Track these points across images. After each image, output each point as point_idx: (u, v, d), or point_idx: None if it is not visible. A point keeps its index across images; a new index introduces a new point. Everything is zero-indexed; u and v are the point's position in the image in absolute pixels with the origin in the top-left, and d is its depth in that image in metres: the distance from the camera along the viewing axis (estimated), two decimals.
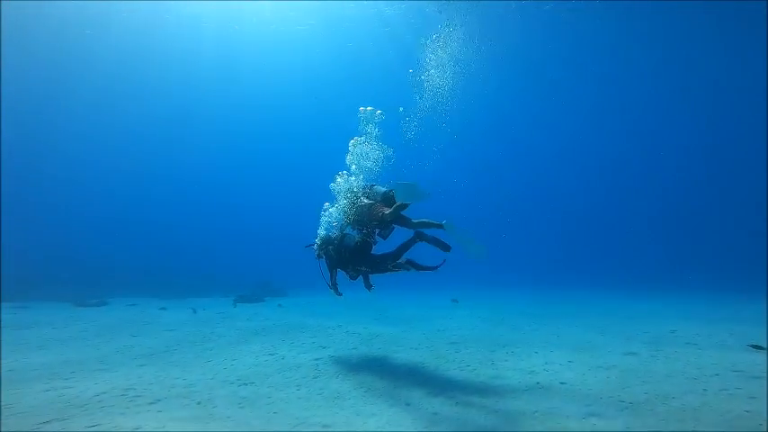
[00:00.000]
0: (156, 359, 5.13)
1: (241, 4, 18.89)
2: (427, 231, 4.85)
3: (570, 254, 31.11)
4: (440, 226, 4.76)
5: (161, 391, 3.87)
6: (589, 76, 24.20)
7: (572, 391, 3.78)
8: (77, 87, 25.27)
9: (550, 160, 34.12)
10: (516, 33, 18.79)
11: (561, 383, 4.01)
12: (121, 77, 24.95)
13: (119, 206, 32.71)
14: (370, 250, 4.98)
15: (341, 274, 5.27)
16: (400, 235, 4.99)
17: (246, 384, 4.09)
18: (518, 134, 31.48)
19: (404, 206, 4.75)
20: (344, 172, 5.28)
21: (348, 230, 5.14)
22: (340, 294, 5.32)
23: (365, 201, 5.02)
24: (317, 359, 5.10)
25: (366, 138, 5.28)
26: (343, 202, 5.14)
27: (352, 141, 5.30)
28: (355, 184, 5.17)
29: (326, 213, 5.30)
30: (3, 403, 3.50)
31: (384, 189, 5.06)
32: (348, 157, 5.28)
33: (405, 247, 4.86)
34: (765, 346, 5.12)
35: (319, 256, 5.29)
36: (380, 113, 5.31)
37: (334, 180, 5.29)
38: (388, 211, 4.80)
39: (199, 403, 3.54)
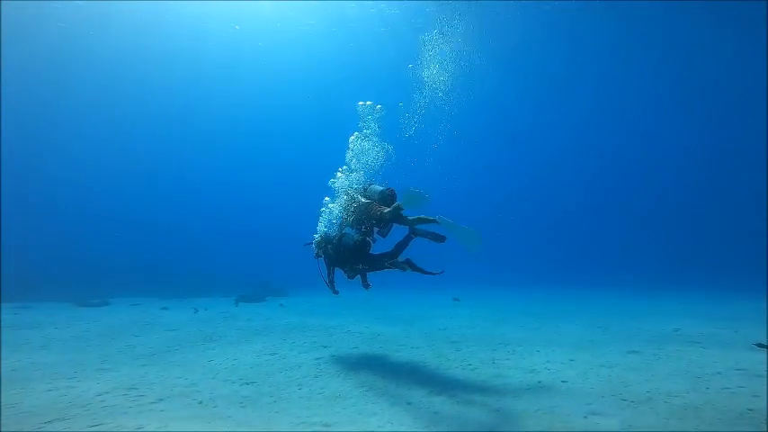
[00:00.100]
0: (158, 359, 5.14)
1: (241, 4, 18.89)
2: (422, 227, 4.87)
3: (571, 252, 31.09)
4: (434, 221, 4.77)
5: (163, 390, 3.88)
6: (589, 75, 24.17)
7: (573, 389, 3.78)
8: (79, 87, 25.32)
9: (551, 159, 34.09)
10: (516, 33, 18.78)
11: (563, 382, 4.00)
12: (124, 77, 24.98)
13: (120, 206, 32.78)
14: (369, 249, 4.99)
15: (339, 273, 5.29)
16: (398, 233, 5.00)
17: (248, 384, 4.10)
18: (518, 133, 31.47)
19: (403, 206, 4.76)
20: (345, 167, 5.27)
21: (347, 230, 5.15)
22: (337, 292, 5.34)
23: (362, 200, 5.03)
24: (318, 359, 5.11)
25: (365, 133, 5.25)
26: (343, 198, 5.14)
27: (351, 138, 5.29)
28: (355, 181, 5.17)
29: (326, 209, 5.29)
30: (6, 403, 3.51)
31: (381, 188, 5.07)
32: (348, 154, 5.27)
33: (402, 245, 4.89)
34: (767, 343, 5.10)
35: (318, 255, 5.31)
36: (380, 108, 5.28)
37: (334, 176, 5.29)
38: (387, 210, 4.81)
39: (200, 403, 3.55)
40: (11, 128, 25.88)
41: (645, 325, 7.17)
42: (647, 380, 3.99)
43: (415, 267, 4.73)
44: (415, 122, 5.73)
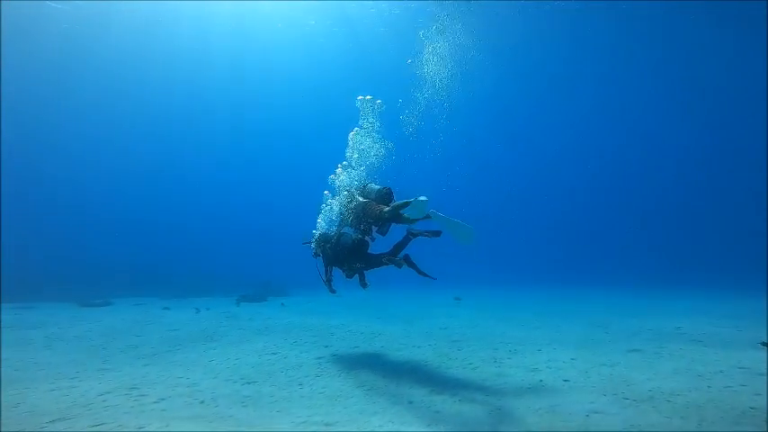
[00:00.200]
0: (160, 359, 5.15)
1: (241, 3, 18.88)
2: (417, 226, 4.87)
3: (571, 252, 31.07)
4: (427, 217, 4.78)
5: (165, 390, 3.89)
6: (589, 74, 24.12)
7: (575, 388, 3.77)
8: (80, 87, 25.36)
9: (552, 158, 34.05)
10: (516, 32, 18.75)
11: (564, 381, 3.99)
12: (125, 77, 25.01)
13: (121, 206, 32.86)
14: (367, 249, 5.00)
15: (337, 272, 5.29)
16: (397, 233, 5.01)
17: (249, 383, 4.10)
18: (518, 132, 31.42)
19: (403, 205, 4.75)
20: (345, 163, 5.24)
21: (345, 229, 5.15)
22: (334, 291, 5.36)
23: (360, 199, 5.03)
24: (319, 358, 5.11)
25: (364, 128, 5.20)
26: (344, 193, 5.13)
27: (351, 134, 5.27)
28: (355, 177, 5.15)
29: (327, 205, 5.28)
30: (8, 403, 3.52)
31: (378, 187, 5.06)
32: (348, 151, 5.25)
33: (401, 246, 4.91)
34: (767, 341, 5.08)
35: (316, 255, 5.31)
36: (380, 103, 5.24)
37: (334, 172, 5.27)
38: (386, 209, 4.82)
39: (202, 402, 3.56)
40: (11, 128, 25.93)
41: (646, 323, 7.16)
42: (649, 378, 3.98)
43: (411, 264, 4.77)
44: (416, 119, 5.69)
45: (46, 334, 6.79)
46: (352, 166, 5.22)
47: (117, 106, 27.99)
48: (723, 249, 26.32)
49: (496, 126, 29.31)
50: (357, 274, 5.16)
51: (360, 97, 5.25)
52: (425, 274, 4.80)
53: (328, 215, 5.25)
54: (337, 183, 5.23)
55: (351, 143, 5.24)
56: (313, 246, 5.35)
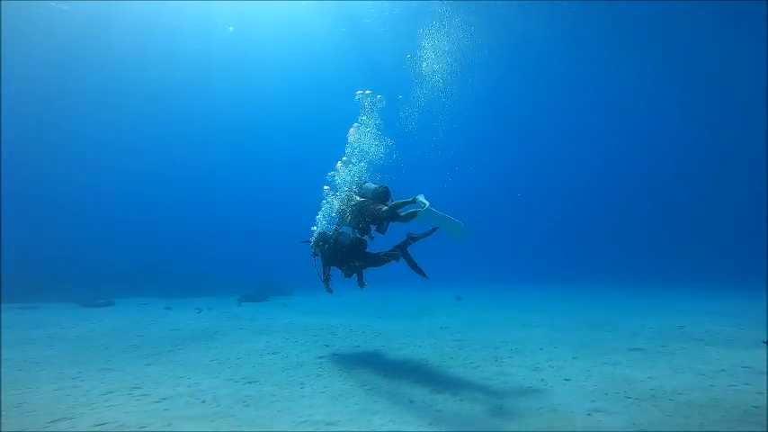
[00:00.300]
0: (162, 358, 5.16)
1: (242, 3, 18.89)
2: (416, 231, 4.90)
3: (573, 250, 31.02)
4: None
5: (166, 390, 3.90)
6: (589, 74, 24.06)
7: (577, 387, 3.76)
8: (82, 86, 25.43)
9: (552, 157, 33.98)
10: (516, 32, 18.72)
11: (566, 380, 3.99)
12: (125, 76, 25.05)
13: (123, 207, 32.96)
14: (365, 248, 5.01)
15: (336, 272, 5.30)
16: (396, 233, 5.02)
17: (251, 383, 4.11)
18: (518, 131, 31.35)
19: (400, 204, 4.76)
20: (345, 158, 5.22)
21: (344, 229, 5.15)
22: (331, 291, 5.37)
23: (357, 198, 5.02)
24: (320, 357, 5.11)
25: (364, 123, 5.15)
26: (344, 189, 5.12)
27: (351, 130, 5.24)
28: (356, 173, 5.13)
29: (326, 202, 5.26)
30: (11, 402, 3.54)
31: (374, 186, 5.06)
32: (348, 147, 5.22)
33: (400, 248, 4.93)
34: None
35: (315, 254, 5.32)
36: (380, 98, 5.19)
37: (334, 168, 5.25)
38: (384, 209, 4.83)
39: (203, 402, 3.57)
40: (15, 128, 26.03)
41: (648, 322, 7.14)
42: (651, 377, 3.97)
43: (408, 257, 4.80)
44: (415, 117, 5.66)
45: (48, 334, 6.82)
46: (352, 162, 5.19)
47: (118, 106, 28.06)
48: (724, 248, 26.24)
49: (496, 125, 29.25)
50: (355, 273, 5.17)
51: (359, 92, 5.20)
52: (420, 271, 4.82)
53: (328, 212, 5.24)
54: (337, 179, 5.21)
55: (350, 139, 5.21)
56: (311, 245, 5.35)
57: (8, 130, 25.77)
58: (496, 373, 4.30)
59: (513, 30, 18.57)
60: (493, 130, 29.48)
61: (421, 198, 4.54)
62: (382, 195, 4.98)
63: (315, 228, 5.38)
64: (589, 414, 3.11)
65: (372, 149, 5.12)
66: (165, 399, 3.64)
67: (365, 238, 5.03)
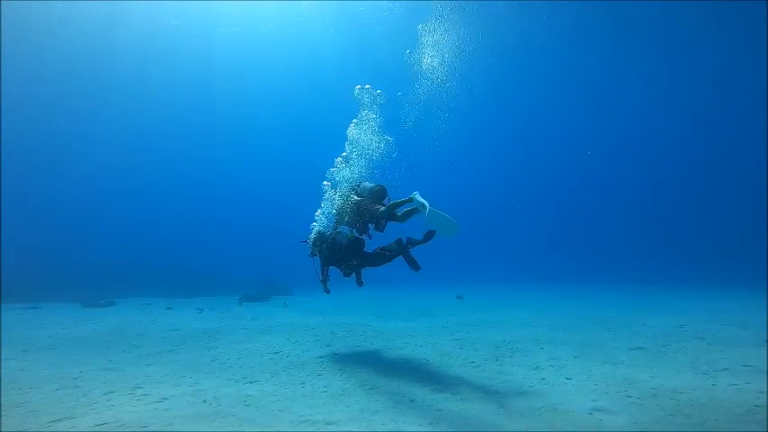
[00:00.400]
0: (163, 358, 5.17)
1: (243, 3, 18.89)
2: (414, 237, 4.90)
3: (573, 249, 30.99)
4: (416, 209, 4.79)
5: (167, 389, 3.90)
6: (589, 74, 24.03)
7: (578, 386, 3.76)
8: (83, 86, 25.46)
9: (551, 157, 33.94)
10: (516, 32, 18.70)
11: (567, 379, 3.98)
12: (126, 76, 25.09)
13: (124, 207, 33.01)
14: (363, 247, 5.01)
15: (334, 272, 5.29)
16: (395, 232, 5.02)
17: (251, 383, 4.11)
18: (518, 131, 31.32)
19: (398, 204, 4.77)
20: (345, 153, 5.21)
21: (341, 228, 5.14)
22: (328, 291, 5.37)
23: (355, 197, 5.02)
24: (321, 357, 5.12)
25: (363, 120, 5.12)
26: (344, 186, 5.11)
27: (350, 126, 5.22)
28: (356, 170, 5.12)
29: (326, 198, 5.25)
30: (12, 402, 3.54)
31: (371, 185, 5.05)
32: (347, 143, 5.21)
33: (397, 242, 4.92)
34: None
35: (313, 254, 5.32)
36: (380, 93, 5.16)
37: (334, 165, 5.24)
38: (382, 208, 4.84)
39: (204, 401, 3.57)
40: (11, 128, 26.06)
41: (649, 321, 7.13)
42: (652, 376, 3.96)
43: (406, 253, 4.82)
44: (415, 113, 5.63)
45: (50, 334, 6.84)
46: (351, 159, 5.17)
47: (118, 105, 28.09)
48: (724, 247, 26.20)
49: (496, 124, 29.22)
50: (354, 273, 5.17)
51: (358, 87, 5.15)
52: (413, 261, 4.81)
53: (328, 209, 5.23)
54: (337, 177, 5.20)
55: (350, 136, 5.20)
56: (309, 245, 5.35)
57: (8, 130, 25.80)
58: (497, 372, 4.29)
59: (513, 29, 18.55)
60: (493, 129, 29.44)
61: (418, 197, 4.52)
62: (379, 195, 4.98)
63: (314, 224, 5.37)
64: (590, 413, 3.10)
65: (372, 146, 5.09)
66: (166, 398, 3.64)
67: (363, 237, 5.04)
